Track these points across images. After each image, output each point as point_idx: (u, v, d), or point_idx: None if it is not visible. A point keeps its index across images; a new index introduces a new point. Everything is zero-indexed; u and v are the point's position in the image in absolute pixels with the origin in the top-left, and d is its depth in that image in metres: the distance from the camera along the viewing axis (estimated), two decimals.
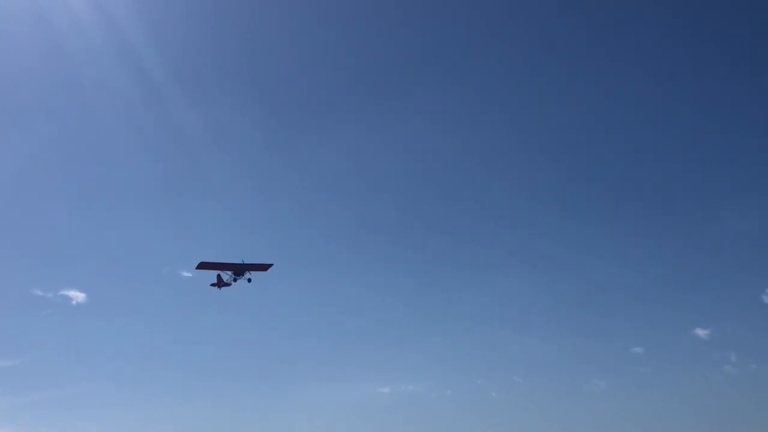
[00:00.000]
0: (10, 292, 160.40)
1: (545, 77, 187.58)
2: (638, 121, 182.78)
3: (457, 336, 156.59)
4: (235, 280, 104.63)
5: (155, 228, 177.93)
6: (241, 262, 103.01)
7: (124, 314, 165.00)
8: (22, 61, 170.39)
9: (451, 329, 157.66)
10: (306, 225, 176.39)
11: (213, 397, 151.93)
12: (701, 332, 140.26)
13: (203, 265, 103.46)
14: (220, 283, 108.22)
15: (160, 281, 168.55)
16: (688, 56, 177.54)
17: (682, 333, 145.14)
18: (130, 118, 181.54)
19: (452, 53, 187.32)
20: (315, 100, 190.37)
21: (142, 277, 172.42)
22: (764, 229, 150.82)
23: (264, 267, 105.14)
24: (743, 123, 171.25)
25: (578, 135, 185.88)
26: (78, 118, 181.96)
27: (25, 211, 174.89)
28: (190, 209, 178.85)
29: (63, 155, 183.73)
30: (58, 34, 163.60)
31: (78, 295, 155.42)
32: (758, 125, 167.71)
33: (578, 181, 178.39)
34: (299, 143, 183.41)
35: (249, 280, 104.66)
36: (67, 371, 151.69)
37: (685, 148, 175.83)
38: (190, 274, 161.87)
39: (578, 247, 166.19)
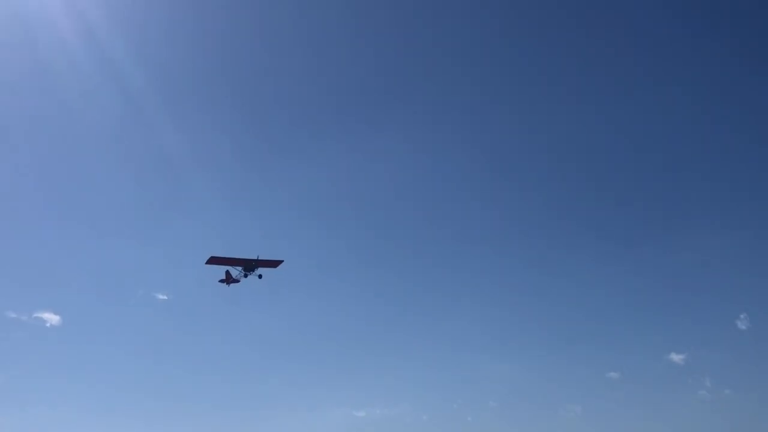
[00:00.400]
0: None
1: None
2: (610, 142, 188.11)
3: (433, 360, 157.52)
4: (245, 275, 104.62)
5: (130, 250, 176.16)
6: (254, 257, 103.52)
7: (99, 337, 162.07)
8: (3, 77, 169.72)
9: (427, 353, 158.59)
10: (283, 247, 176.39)
11: (184, 424, 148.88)
12: (676, 357, 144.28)
13: (213, 260, 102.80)
14: (228, 280, 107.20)
15: (135, 303, 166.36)
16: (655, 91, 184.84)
17: (657, 358, 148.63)
18: (107, 138, 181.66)
19: (443, 66, 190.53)
20: (299, 118, 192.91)
21: (117, 299, 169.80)
22: (738, 255, 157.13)
23: (274, 263, 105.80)
24: (717, 149, 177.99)
25: (554, 157, 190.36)
26: (55, 136, 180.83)
27: None
28: (166, 231, 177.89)
29: (39, 174, 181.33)
30: (42, 52, 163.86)
31: (52, 318, 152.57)
32: (732, 152, 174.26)
33: (552, 208, 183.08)
34: (280, 165, 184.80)
35: (260, 276, 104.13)
36: (41, 394, 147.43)
37: (658, 174, 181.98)
38: (165, 297, 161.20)
39: (554, 272, 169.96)
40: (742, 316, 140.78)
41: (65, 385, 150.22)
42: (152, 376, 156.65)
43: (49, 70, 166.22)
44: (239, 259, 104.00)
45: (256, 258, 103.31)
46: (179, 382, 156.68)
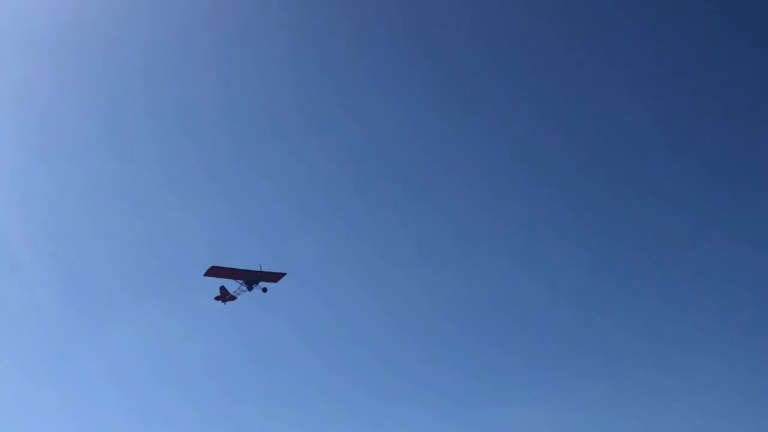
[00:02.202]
0: None
1: None
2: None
3: None
4: (250, 288, 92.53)
5: None
6: (258, 268, 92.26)
7: None
8: None
9: None
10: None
11: None
12: None
13: (213, 271, 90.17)
14: (224, 296, 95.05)
15: None
16: None
17: None
18: None
19: None
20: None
21: None
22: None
23: (276, 276, 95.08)
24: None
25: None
26: None
27: None
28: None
29: None
30: None
31: None
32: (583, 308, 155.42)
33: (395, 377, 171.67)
34: (99, 330, 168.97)
35: (264, 290, 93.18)
36: None
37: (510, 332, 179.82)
38: None
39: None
40: None
41: None
42: None
43: None
44: (241, 270, 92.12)
45: (259, 269, 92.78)
46: None
